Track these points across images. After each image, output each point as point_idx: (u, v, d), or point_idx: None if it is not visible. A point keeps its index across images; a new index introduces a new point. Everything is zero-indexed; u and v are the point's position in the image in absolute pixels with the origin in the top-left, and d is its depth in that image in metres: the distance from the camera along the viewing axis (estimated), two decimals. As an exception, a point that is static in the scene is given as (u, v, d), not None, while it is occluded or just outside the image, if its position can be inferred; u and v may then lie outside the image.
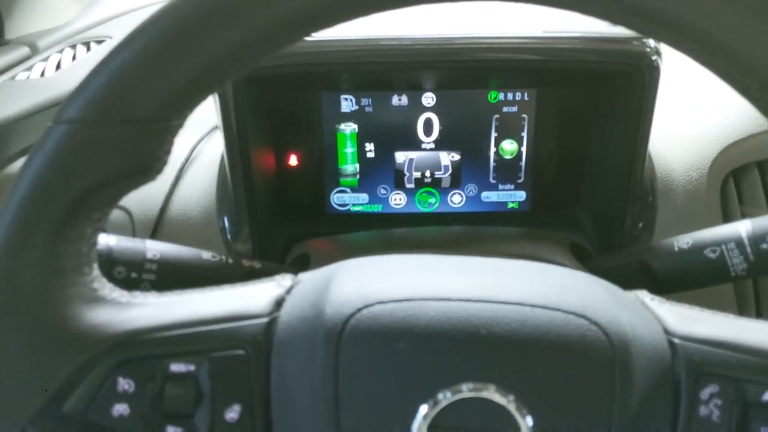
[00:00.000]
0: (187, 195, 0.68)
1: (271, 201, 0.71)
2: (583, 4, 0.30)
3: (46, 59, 0.79)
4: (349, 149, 0.71)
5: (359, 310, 0.32)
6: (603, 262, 0.61)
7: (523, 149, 0.71)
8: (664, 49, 0.60)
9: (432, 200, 0.74)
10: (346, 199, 0.74)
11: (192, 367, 0.32)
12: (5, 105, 0.65)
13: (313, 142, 0.71)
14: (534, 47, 0.63)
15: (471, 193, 0.73)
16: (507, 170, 0.72)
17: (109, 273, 0.47)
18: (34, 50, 0.83)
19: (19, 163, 0.66)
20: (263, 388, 0.33)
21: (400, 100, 0.70)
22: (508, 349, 0.32)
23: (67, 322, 0.32)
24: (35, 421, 0.31)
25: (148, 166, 0.32)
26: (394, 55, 0.63)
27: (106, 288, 0.34)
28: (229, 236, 0.67)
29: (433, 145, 0.71)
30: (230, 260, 0.51)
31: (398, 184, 0.73)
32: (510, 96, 0.69)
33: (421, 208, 0.74)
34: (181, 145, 0.72)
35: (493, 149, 0.71)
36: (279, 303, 0.35)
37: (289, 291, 0.36)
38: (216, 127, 0.73)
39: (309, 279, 0.37)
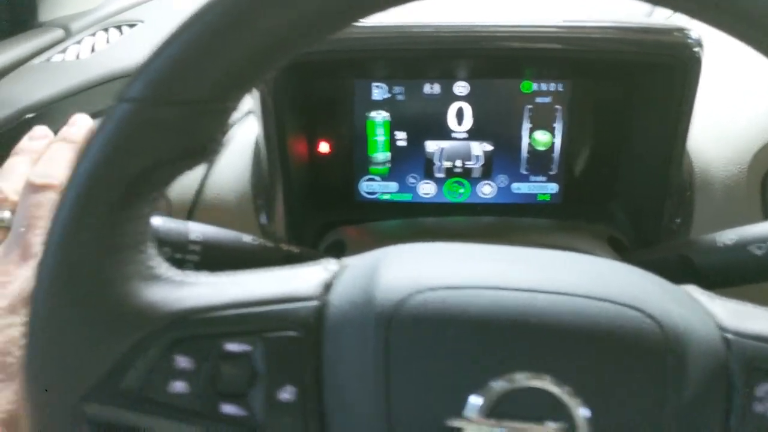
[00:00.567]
0: (222, 179, 0.68)
1: (303, 187, 0.71)
2: None
3: (79, 42, 0.79)
4: (380, 137, 0.71)
5: (410, 295, 0.32)
6: (642, 256, 0.61)
7: (556, 141, 0.71)
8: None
9: (461, 190, 0.73)
10: (375, 187, 0.73)
11: (247, 347, 0.33)
12: (43, 86, 0.65)
13: (345, 130, 0.71)
14: (570, 37, 0.62)
15: (502, 184, 0.73)
16: (539, 162, 0.72)
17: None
18: (68, 33, 0.84)
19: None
20: (315, 370, 0.33)
21: (432, 89, 0.69)
22: (564, 339, 0.31)
23: (125, 298, 0.32)
24: (93, 396, 0.32)
25: (205, 146, 0.33)
26: (427, 43, 0.62)
27: (162, 266, 0.34)
28: (263, 221, 0.67)
29: (464, 135, 0.71)
30: (269, 244, 0.51)
31: (428, 173, 0.73)
32: (544, 86, 0.69)
33: (450, 198, 0.74)
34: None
35: (525, 140, 0.71)
36: (327, 287, 0.35)
37: (336, 275, 0.36)
38: (249, 112, 0.74)
39: (356, 264, 0.37)
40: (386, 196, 0.74)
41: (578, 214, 0.72)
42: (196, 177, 0.67)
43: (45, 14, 0.85)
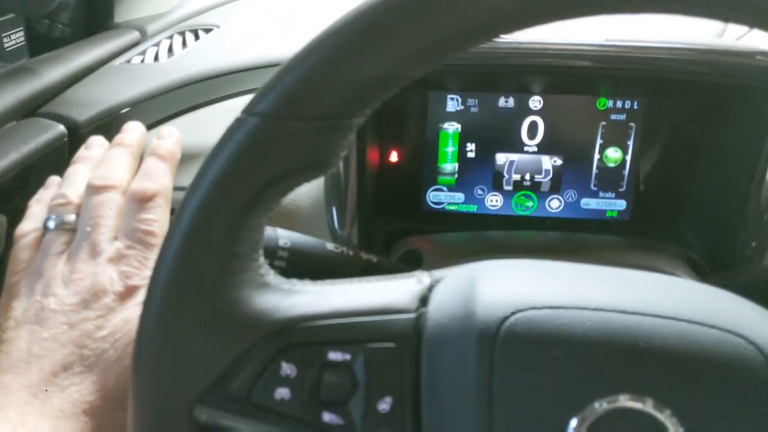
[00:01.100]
0: None
1: (373, 195, 0.71)
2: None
3: (157, 44, 0.81)
4: (450, 148, 0.72)
5: (513, 314, 0.33)
6: (723, 279, 0.60)
7: (628, 158, 0.70)
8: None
9: (529, 204, 0.73)
10: (441, 198, 0.74)
11: (348, 357, 0.33)
12: (125, 88, 0.67)
13: (415, 140, 0.71)
14: (647, 57, 0.62)
15: (570, 199, 0.73)
16: (609, 178, 0.71)
17: None
18: (144, 35, 0.86)
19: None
20: (414, 383, 0.33)
21: (506, 102, 0.70)
22: (666, 363, 0.31)
23: (239, 305, 0.33)
24: (204, 399, 0.33)
25: (327, 160, 0.33)
26: (503, 59, 0.63)
27: (270, 274, 0.35)
28: (336, 227, 0.68)
29: (535, 149, 0.71)
30: (350, 252, 0.52)
31: (496, 185, 0.73)
32: (619, 104, 0.69)
33: (518, 212, 0.74)
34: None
35: (597, 156, 0.70)
36: (423, 299, 0.36)
37: (431, 288, 0.36)
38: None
39: (451, 278, 0.37)
40: (452, 207, 0.74)
41: (646, 232, 0.71)
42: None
43: (119, 15, 0.87)
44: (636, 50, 0.62)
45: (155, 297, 0.33)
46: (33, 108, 0.64)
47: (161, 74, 0.70)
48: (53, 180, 0.56)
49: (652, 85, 0.67)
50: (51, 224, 0.51)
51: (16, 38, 0.90)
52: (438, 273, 0.38)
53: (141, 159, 0.56)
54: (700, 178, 0.69)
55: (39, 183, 0.56)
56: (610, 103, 0.69)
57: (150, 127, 0.67)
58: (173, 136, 0.58)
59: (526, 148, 0.71)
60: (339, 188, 0.67)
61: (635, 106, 0.68)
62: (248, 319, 0.33)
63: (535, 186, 0.72)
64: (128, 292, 0.47)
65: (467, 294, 0.35)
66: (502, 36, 0.32)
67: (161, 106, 0.68)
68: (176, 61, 0.76)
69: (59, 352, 0.45)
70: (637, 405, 0.31)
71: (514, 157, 0.72)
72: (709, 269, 0.67)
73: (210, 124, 0.66)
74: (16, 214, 0.53)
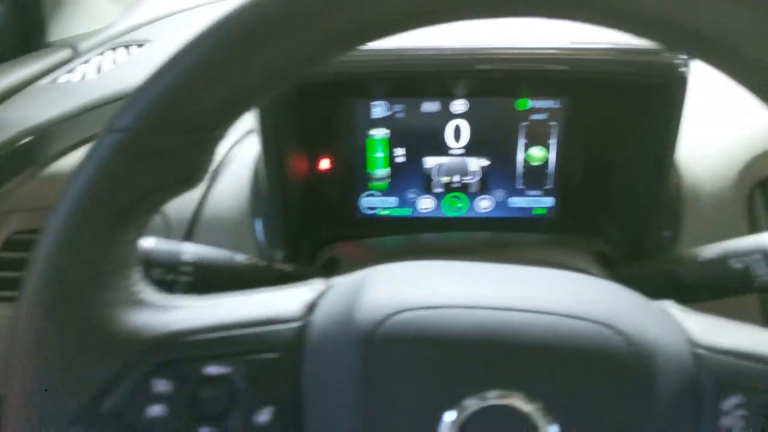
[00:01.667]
0: (221, 198, 0.70)
1: (302, 204, 0.72)
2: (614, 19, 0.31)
3: (87, 62, 0.81)
4: (380, 154, 0.73)
5: (390, 316, 0.33)
6: (629, 271, 0.62)
7: (551, 156, 0.72)
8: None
9: (460, 205, 0.74)
10: (375, 203, 0.75)
11: (227, 370, 0.33)
12: (48, 107, 0.67)
13: (345, 147, 0.72)
14: (564, 58, 0.63)
15: (499, 198, 0.74)
16: (535, 176, 0.73)
17: (146, 275, 0.48)
18: (76, 52, 0.86)
19: (60, 164, 0.68)
20: (295, 391, 0.34)
21: (430, 107, 0.71)
22: (536, 357, 0.32)
23: (109, 323, 0.33)
24: (76, 420, 0.33)
25: (194, 174, 0.34)
26: (425, 66, 0.64)
27: (146, 291, 0.35)
28: (261, 239, 0.68)
29: (462, 151, 0.72)
30: (262, 263, 0.52)
31: (427, 188, 0.74)
32: (539, 104, 0.70)
33: (449, 213, 0.75)
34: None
35: (521, 156, 0.72)
36: (312, 307, 0.36)
37: (321, 295, 0.37)
38: (249, 131, 0.75)
39: (341, 284, 0.38)
40: (386, 212, 0.75)
41: (574, 228, 0.73)
42: (195, 196, 0.69)
43: (53, 34, 0.87)
44: (553, 52, 0.63)
45: (24, 318, 0.33)
46: None
47: (85, 93, 0.70)
48: None
49: (571, 84, 0.69)
50: None
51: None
52: (334, 280, 0.39)
53: None
54: (618, 174, 0.71)
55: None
56: (531, 104, 0.70)
57: (70, 148, 0.67)
58: None
59: (452, 151, 0.72)
60: (262, 200, 0.67)
61: (555, 106, 0.70)
62: (119, 338, 0.33)
63: (464, 187, 0.74)
64: None
65: (351, 299, 0.35)
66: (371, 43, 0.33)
67: (81, 126, 0.68)
68: (103, 78, 0.76)
69: None
70: (507, 401, 0.32)
71: (442, 160, 0.73)
72: (629, 261, 0.68)
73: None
74: None
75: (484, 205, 0.74)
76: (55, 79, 0.76)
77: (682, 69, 0.60)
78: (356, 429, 0.32)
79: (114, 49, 0.85)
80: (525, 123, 0.70)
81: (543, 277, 0.37)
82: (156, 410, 0.33)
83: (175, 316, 0.34)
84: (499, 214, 0.74)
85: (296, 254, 0.70)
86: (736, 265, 0.54)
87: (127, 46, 0.86)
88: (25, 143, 0.63)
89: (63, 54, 0.84)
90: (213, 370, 0.33)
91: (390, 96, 0.70)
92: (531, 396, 0.32)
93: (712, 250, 0.56)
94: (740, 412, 0.32)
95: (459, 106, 0.70)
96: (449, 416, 0.32)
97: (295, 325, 0.35)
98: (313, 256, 0.70)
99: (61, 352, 0.33)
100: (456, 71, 0.65)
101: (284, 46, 0.31)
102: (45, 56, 0.82)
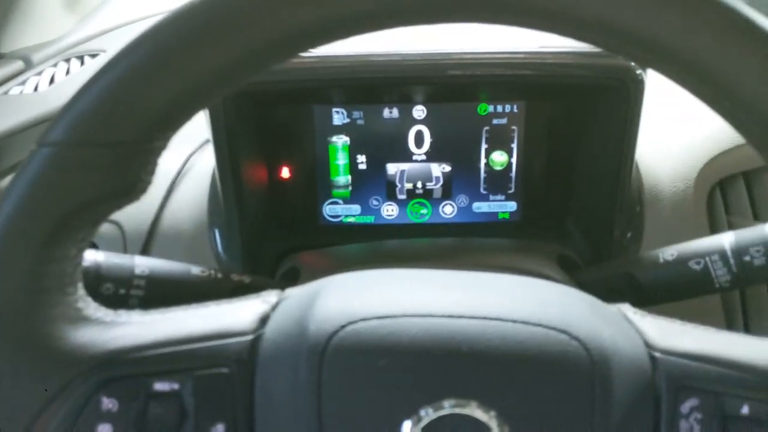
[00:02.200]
0: (179, 209, 0.69)
1: (262, 214, 0.71)
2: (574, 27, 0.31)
3: (39, 73, 0.79)
4: (341, 161, 0.72)
5: (342, 327, 0.33)
6: (589, 274, 0.62)
7: (513, 160, 0.72)
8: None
9: (424, 211, 0.74)
10: (338, 211, 0.74)
11: (176, 386, 0.33)
12: (-1, 120, 0.65)
13: (305, 155, 0.71)
14: (522, 62, 0.63)
15: (462, 203, 0.74)
16: (498, 181, 0.73)
17: (96, 290, 0.47)
18: (29, 64, 0.84)
19: (9, 179, 0.66)
20: (247, 406, 0.33)
21: (391, 113, 0.70)
22: (490, 365, 0.32)
23: (50, 342, 0.32)
24: None
25: (131, 187, 0.33)
26: (383, 72, 0.63)
27: (91, 307, 0.34)
28: (220, 250, 0.67)
29: (424, 157, 0.72)
30: (219, 275, 0.51)
31: (390, 195, 0.73)
32: (499, 108, 0.70)
33: (413, 219, 0.74)
34: (173, 158, 0.72)
35: (483, 160, 0.72)
36: (264, 320, 0.35)
37: (274, 308, 0.36)
38: (208, 141, 0.74)
39: (295, 295, 0.37)
40: (350, 219, 0.74)
41: (537, 232, 0.73)
42: (152, 207, 0.67)
43: (5, 46, 0.85)
44: (512, 56, 0.63)
45: None
46: None
47: (37, 104, 0.69)
48: None
49: (530, 88, 0.69)
50: None
51: None
52: (288, 291, 0.38)
53: None
54: (579, 177, 0.71)
55: None
56: (491, 108, 0.70)
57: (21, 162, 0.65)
58: None
59: (414, 157, 0.72)
60: (220, 210, 0.66)
61: (515, 110, 0.70)
62: (64, 355, 0.32)
63: (427, 193, 0.73)
64: None
65: (303, 311, 0.35)
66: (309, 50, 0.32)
67: (33, 138, 0.67)
68: (56, 89, 0.74)
69: None
70: (461, 410, 0.31)
71: (404, 166, 0.72)
72: (591, 264, 0.68)
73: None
74: None
75: (448, 210, 0.74)
76: (7, 92, 0.74)
77: (639, 71, 0.61)
78: None
79: (68, 60, 0.84)
80: (487, 127, 0.70)
81: (498, 283, 0.37)
82: (104, 429, 0.32)
83: (122, 332, 0.33)
84: (463, 219, 0.74)
85: (258, 265, 0.69)
86: (695, 266, 0.54)
87: (81, 57, 0.84)
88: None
89: (15, 66, 0.82)
90: (162, 386, 0.33)
91: (349, 102, 0.69)
92: (486, 404, 0.31)
93: (670, 251, 0.56)
94: (697, 415, 0.32)
95: (419, 111, 0.70)
96: (405, 427, 0.31)
97: (246, 338, 0.34)
98: (276, 267, 0.69)
99: (4, 372, 0.32)
100: (416, 77, 0.65)
101: (215, 56, 0.31)
102: (-4, 68, 0.80)
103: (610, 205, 0.67)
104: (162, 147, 0.33)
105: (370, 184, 0.73)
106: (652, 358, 0.34)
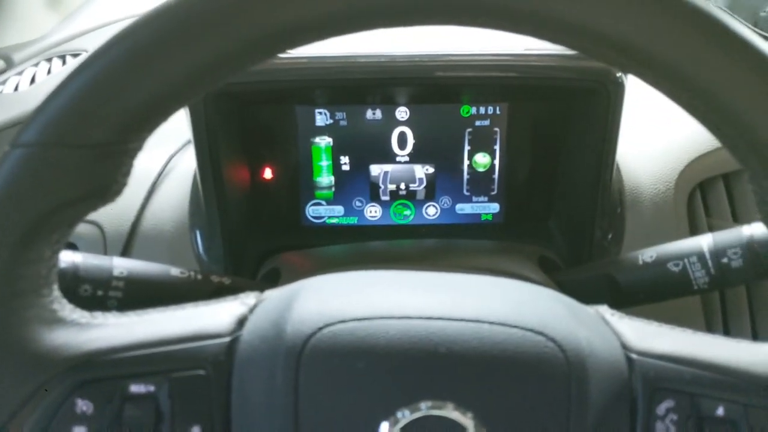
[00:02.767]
0: (160, 209, 0.68)
1: (245, 214, 0.71)
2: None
3: (20, 73, 0.79)
4: (324, 162, 0.72)
5: (320, 329, 0.33)
6: (570, 275, 0.62)
7: (496, 162, 0.72)
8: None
9: (407, 212, 0.74)
10: (321, 212, 0.74)
11: (151, 388, 0.32)
12: (-23, 120, 0.65)
13: (288, 156, 0.71)
14: (506, 64, 0.64)
15: (445, 205, 0.74)
16: (480, 183, 0.73)
17: (74, 291, 0.47)
18: (9, 63, 0.83)
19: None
20: (224, 408, 0.33)
21: (374, 114, 0.70)
22: (467, 366, 0.32)
23: (25, 344, 0.32)
24: None
25: (106, 188, 0.32)
26: (368, 72, 0.63)
27: (66, 309, 0.34)
28: (201, 251, 0.67)
29: (407, 158, 0.72)
30: (199, 276, 0.51)
31: (373, 196, 0.73)
32: (482, 110, 0.70)
33: (397, 220, 0.74)
34: (155, 159, 0.72)
35: (466, 162, 0.72)
36: (242, 322, 0.35)
37: (252, 309, 0.36)
38: (190, 141, 0.74)
39: (273, 297, 0.37)
40: (333, 220, 0.74)
41: (520, 233, 0.73)
42: (133, 208, 0.67)
43: (-14, 45, 0.84)
44: (495, 59, 0.64)
45: None
46: None
47: (18, 104, 0.68)
48: None
49: (512, 90, 0.69)
50: None
51: None
52: (266, 293, 0.38)
53: None
54: (561, 179, 0.71)
55: None
56: (474, 110, 0.70)
57: None
58: None
59: (398, 158, 0.72)
60: (201, 211, 0.66)
61: (498, 112, 0.70)
62: (36, 358, 0.32)
63: (410, 195, 0.73)
64: None
65: (281, 313, 0.34)
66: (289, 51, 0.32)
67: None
68: (36, 89, 0.74)
69: None
70: (439, 411, 0.31)
71: (388, 167, 0.72)
72: (572, 266, 0.68)
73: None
74: None
75: (432, 212, 0.74)
76: (-13, 91, 0.74)
77: (619, 74, 0.61)
78: None
79: (49, 59, 0.83)
80: (469, 129, 0.70)
81: (475, 284, 0.37)
82: (79, 431, 0.32)
83: (98, 334, 0.33)
84: (446, 220, 0.74)
85: (240, 266, 0.68)
86: (674, 268, 0.54)
87: (62, 57, 0.84)
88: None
89: (-5, 65, 0.81)
90: (137, 388, 0.32)
91: (332, 103, 0.69)
92: (462, 406, 0.31)
93: (649, 253, 0.57)
94: (673, 416, 0.32)
95: (402, 113, 0.70)
96: (383, 429, 0.31)
97: (223, 340, 0.34)
98: (258, 268, 0.68)
99: None
100: (399, 78, 0.65)
101: (189, 57, 0.30)
102: (-24, 67, 0.79)
103: (591, 207, 0.67)
104: (137, 148, 0.33)
105: (353, 185, 0.73)
106: (629, 360, 0.34)
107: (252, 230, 0.72)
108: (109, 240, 0.65)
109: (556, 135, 0.70)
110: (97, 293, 0.47)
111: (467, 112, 0.70)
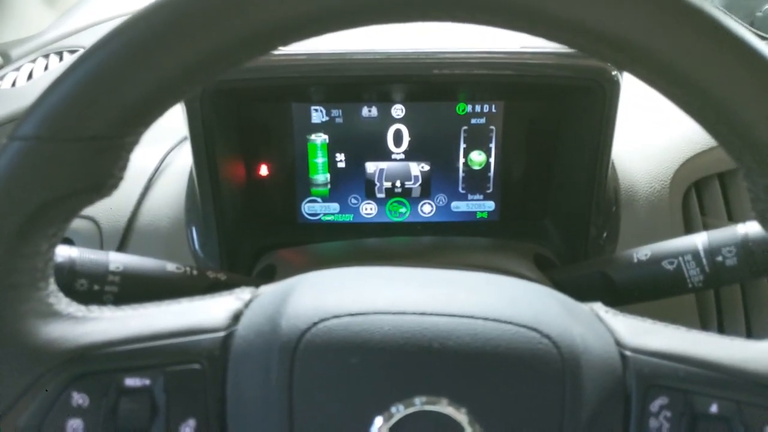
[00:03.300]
0: (156, 205, 0.68)
1: (240, 211, 0.71)
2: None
3: (18, 69, 0.79)
4: (320, 159, 0.72)
5: (315, 324, 0.33)
6: (565, 273, 0.62)
7: (491, 160, 0.72)
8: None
9: (402, 210, 0.74)
10: (317, 209, 0.74)
11: (147, 382, 0.33)
12: (-26, 115, 0.65)
13: (284, 153, 0.71)
14: (502, 62, 0.64)
15: (441, 203, 0.74)
16: (476, 180, 0.73)
17: (71, 285, 0.47)
18: (7, 60, 0.83)
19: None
20: (219, 402, 0.33)
21: (369, 112, 0.70)
22: (461, 362, 0.32)
23: (21, 337, 0.32)
24: None
25: (102, 182, 0.32)
26: (364, 70, 0.63)
27: (62, 303, 0.34)
28: (197, 247, 0.67)
29: (402, 156, 0.72)
30: (195, 272, 0.51)
31: (369, 194, 0.74)
32: (478, 108, 0.70)
33: (392, 218, 0.74)
34: (151, 155, 0.72)
35: (462, 160, 0.72)
36: (237, 317, 0.35)
37: (247, 304, 0.36)
38: (186, 138, 0.74)
39: (268, 292, 0.37)
40: (329, 217, 0.74)
41: (515, 231, 0.73)
42: (129, 204, 0.67)
43: (-17, 41, 0.84)
44: (491, 56, 0.64)
45: None
46: None
47: (15, 100, 0.68)
48: None
49: (507, 88, 0.69)
50: None
51: None
52: (261, 288, 0.38)
53: None
54: (557, 177, 0.72)
55: None
56: (470, 108, 0.70)
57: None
58: None
59: (393, 156, 0.72)
60: (197, 207, 0.66)
61: (493, 110, 0.70)
62: (32, 351, 0.32)
63: (406, 192, 0.73)
64: None
65: (276, 308, 0.35)
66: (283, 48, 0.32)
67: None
68: (33, 85, 0.74)
69: None
70: (432, 406, 0.32)
71: (383, 165, 0.72)
72: (567, 263, 0.69)
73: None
74: None
75: (427, 209, 0.74)
76: (-17, 87, 0.74)
77: (614, 72, 0.61)
78: None
79: (46, 56, 0.83)
80: (464, 127, 0.71)
81: (470, 280, 0.37)
82: (75, 424, 0.32)
83: (93, 328, 0.33)
84: (442, 218, 0.75)
85: (236, 262, 0.68)
86: (668, 266, 0.55)
87: (59, 53, 0.84)
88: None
89: (-8, 61, 0.81)
90: (133, 382, 0.33)
91: (328, 100, 0.69)
92: (456, 401, 0.32)
93: (644, 251, 0.57)
94: (667, 413, 0.33)
95: (398, 110, 0.70)
96: (377, 424, 0.31)
97: (218, 335, 0.34)
98: (254, 264, 0.69)
99: None
100: (395, 75, 0.65)
101: (185, 51, 0.31)
102: (-27, 63, 0.79)
103: (586, 205, 0.67)
104: (134, 142, 0.33)
105: (349, 182, 0.73)
106: (623, 357, 0.34)
107: (248, 227, 0.72)
108: (105, 235, 0.65)
109: (551, 133, 0.70)
110: (93, 288, 0.47)
111: (463, 110, 0.70)
